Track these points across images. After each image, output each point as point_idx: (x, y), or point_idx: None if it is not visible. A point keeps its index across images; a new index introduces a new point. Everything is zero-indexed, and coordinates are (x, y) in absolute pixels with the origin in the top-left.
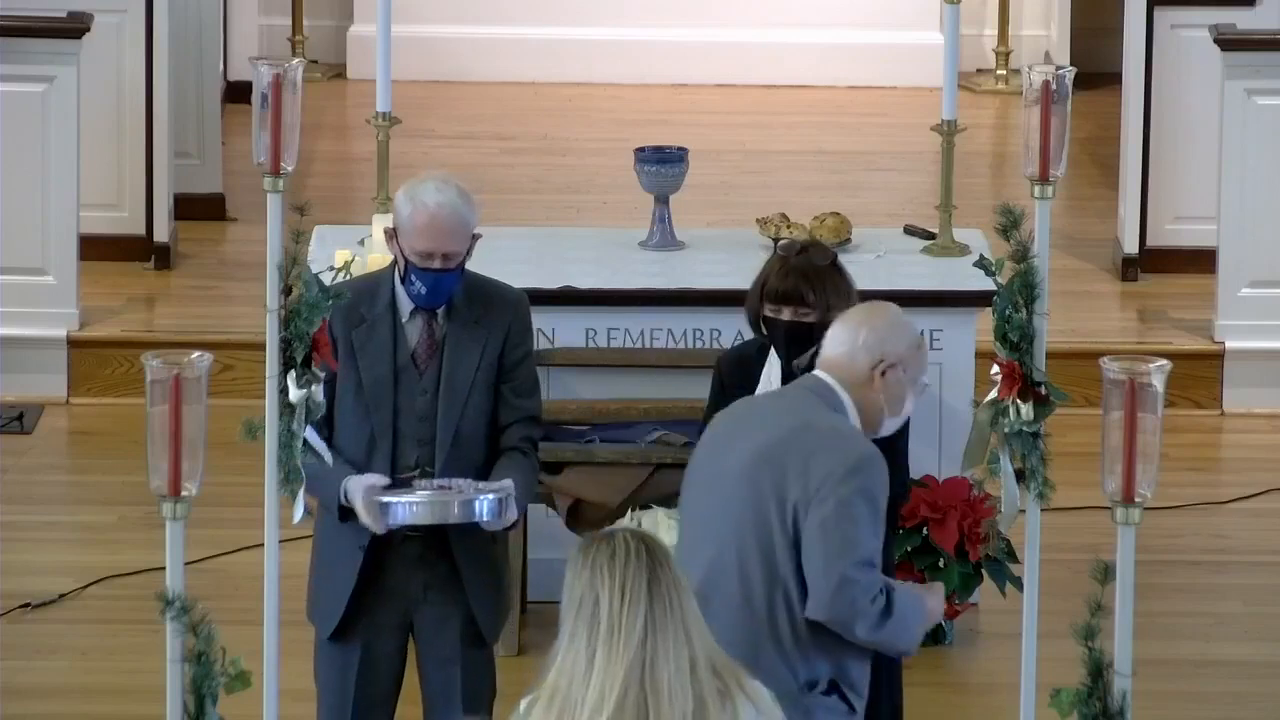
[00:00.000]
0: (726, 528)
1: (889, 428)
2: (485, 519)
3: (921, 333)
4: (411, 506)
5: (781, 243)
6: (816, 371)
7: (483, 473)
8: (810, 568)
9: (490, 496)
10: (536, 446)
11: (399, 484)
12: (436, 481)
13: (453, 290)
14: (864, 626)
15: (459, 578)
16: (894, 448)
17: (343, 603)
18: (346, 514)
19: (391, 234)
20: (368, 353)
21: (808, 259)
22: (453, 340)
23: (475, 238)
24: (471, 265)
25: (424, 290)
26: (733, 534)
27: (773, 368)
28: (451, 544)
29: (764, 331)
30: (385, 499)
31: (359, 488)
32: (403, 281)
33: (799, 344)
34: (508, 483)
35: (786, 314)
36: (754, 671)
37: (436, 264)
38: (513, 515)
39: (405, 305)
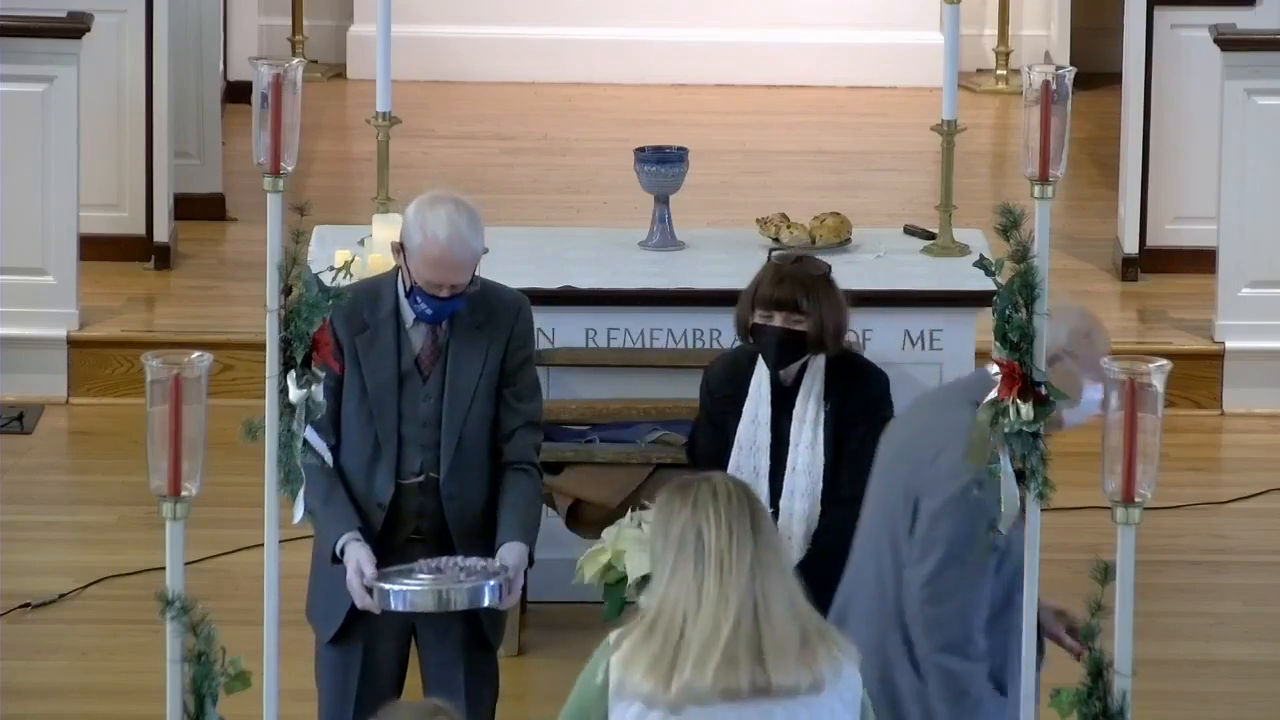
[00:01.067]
0: (869, 519)
1: (1072, 420)
2: (485, 605)
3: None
4: (405, 595)
5: (776, 252)
6: (989, 365)
7: (486, 479)
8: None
9: (486, 585)
10: (539, 451)
11: (396, 563)
12: (437, 563)
13: (458, 308)
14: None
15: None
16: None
17: (345, 607)
18: (337, 560)
19: (399, 249)
20: (371, 359)
21: (802, 268)
22: (456, 346)
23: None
24: None
25: (430, 311)
26: (871, 525)
27: (761, 376)
28: (455, 546)
29: (752, 339)
30: (381, 585)
31: (351, 560)
32: (407, 296)
33: (789, 351)
34: (510, 562)
35: (778, 319)
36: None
37: (445, 293)
38: (515, 597)
39: (409, 312)
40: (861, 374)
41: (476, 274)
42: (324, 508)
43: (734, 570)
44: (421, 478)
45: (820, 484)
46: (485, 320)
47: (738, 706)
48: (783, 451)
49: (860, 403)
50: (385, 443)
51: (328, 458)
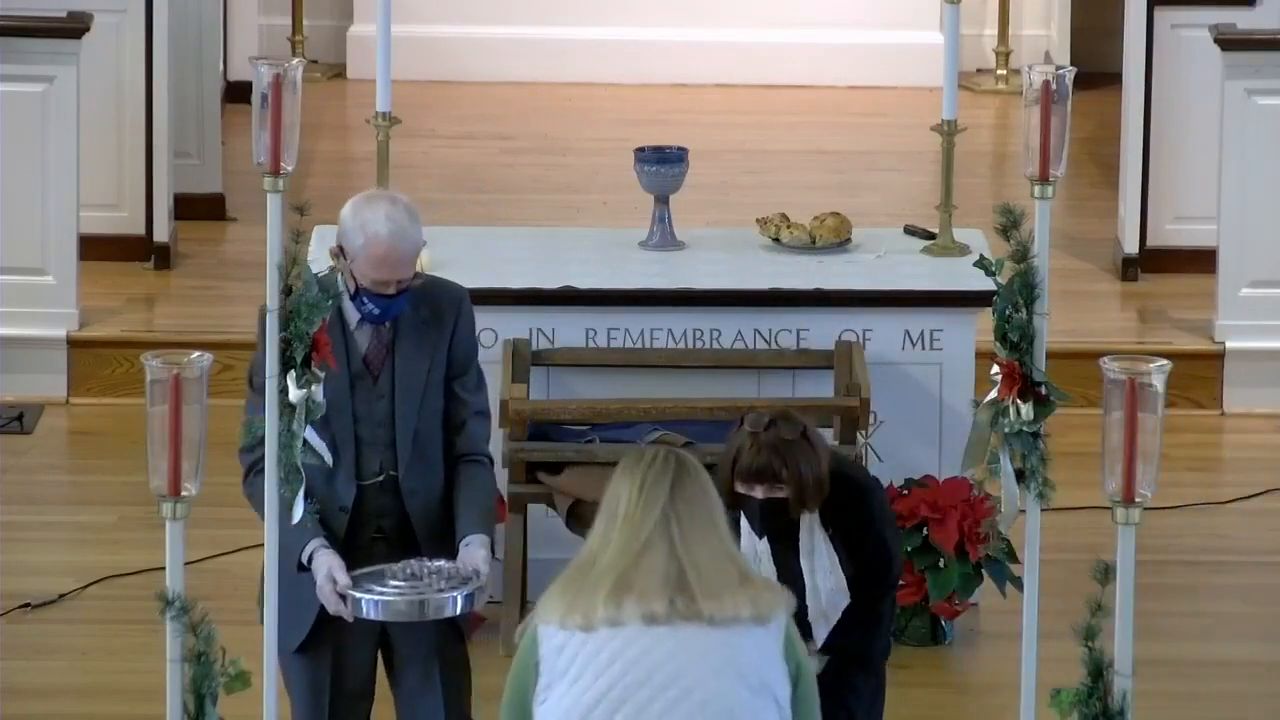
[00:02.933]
0: None
1: None
2: (458, 613)
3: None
4: (381, 605)
5: (749, 416)
6: None
7: (443, 473)
8: None
9: (463, 593)
10: (489, 441)
11: (361, 564)
12: (408, 567)
13: (404, 306)
14: None
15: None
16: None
17: (312, 614)
18: (303, 568)
19: (338, 252)
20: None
21: (777, 434)
22: (403, 343)
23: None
24: (474, 266)
25: (376, 311)
26: None
27: (746, 539)
28: (420, 542)
29: (734, 508)
30: (356, 594)
31: (321, 567)
32: (352, 298)
33: (774, 519)
34: (483, 570)
35: (760, 491)
36: None
37: (392, 290)
38: (484, 601)
39: (353, 313)
40: (855, 490)
41: (418, 268)
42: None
43: (642, 518)
44: (381, 477)
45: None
46: (430, 315)
47: (655, 629)
48: (795, 586)
49: (858, 521)
50: (343, 446)
51: (327, 458)
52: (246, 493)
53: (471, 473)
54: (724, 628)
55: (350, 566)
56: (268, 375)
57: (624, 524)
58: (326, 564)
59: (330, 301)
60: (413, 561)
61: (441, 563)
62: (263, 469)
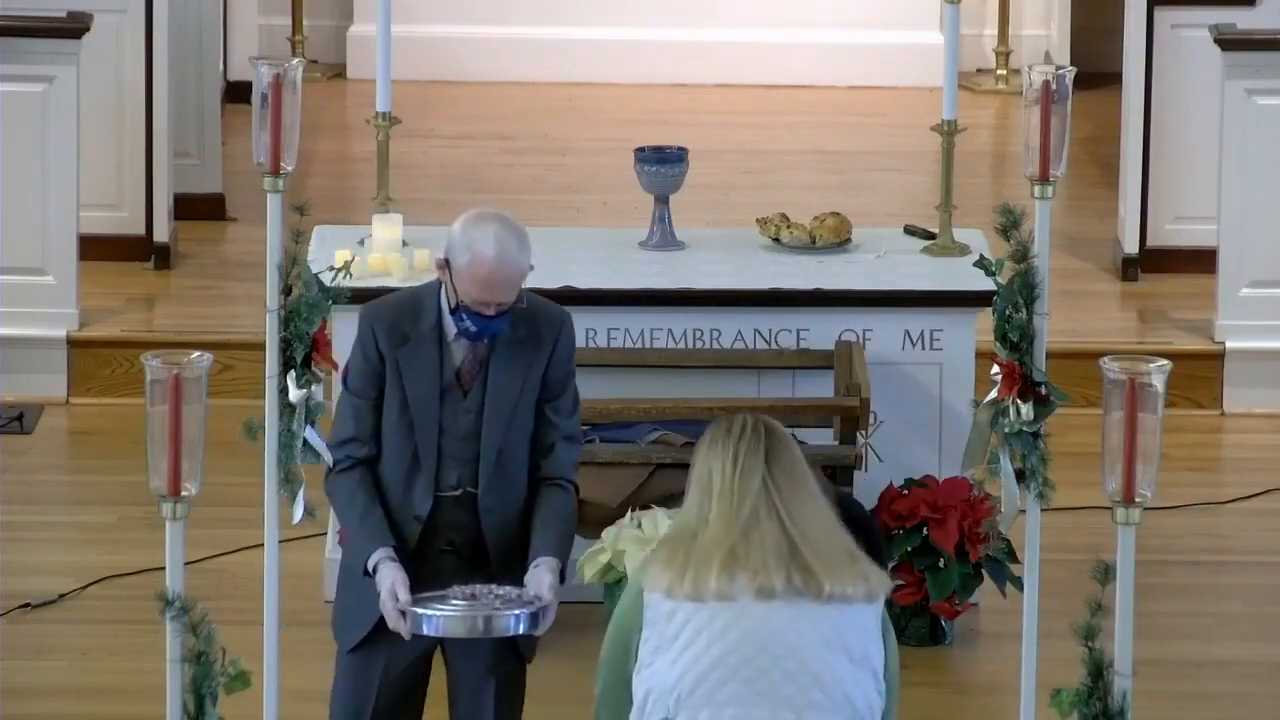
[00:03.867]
0: None
1: None
2: (518, 633)
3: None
4: (440, 621)
5: None
6: None
7: (523, 494)
8: None
9: (522, 612)
10: (577, 469)
11: (428, 574)
12: (471, 589)
13: (502, 327)
14: None
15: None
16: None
17: (372, 619)
18: (368, 574)
19: (444, 265)
20: (413, 371)
21: None
22: (498, 360)
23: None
24: None
25: (474, 329)
26: None
27: None
28: (492, 559)
29: None
30: (418, 610)
31: (385, 580)
32: (453, 313)
33: None
34: (545, 594)
35: None
36: None
37: (491, 311)
38: (548, 623)
39: (451, 325)
40: (859, 528)
41: (523, 290)
42: (361, 523)
43: (741, 490)
44: (459, 491)
45: None
46: (528, 335)
47: (770, 603)
48: None
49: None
50: (425, 456)
51: (328, 458)
52: (326, 490)
53: (551, 496)
54: (835, 604)
55: (417, 575)
56: (267, 375)
57: (721, 497)
58: (391, 579)
59: (330, 302)
60: (479, 586)
61: (509, 589)
62: (344, 468)
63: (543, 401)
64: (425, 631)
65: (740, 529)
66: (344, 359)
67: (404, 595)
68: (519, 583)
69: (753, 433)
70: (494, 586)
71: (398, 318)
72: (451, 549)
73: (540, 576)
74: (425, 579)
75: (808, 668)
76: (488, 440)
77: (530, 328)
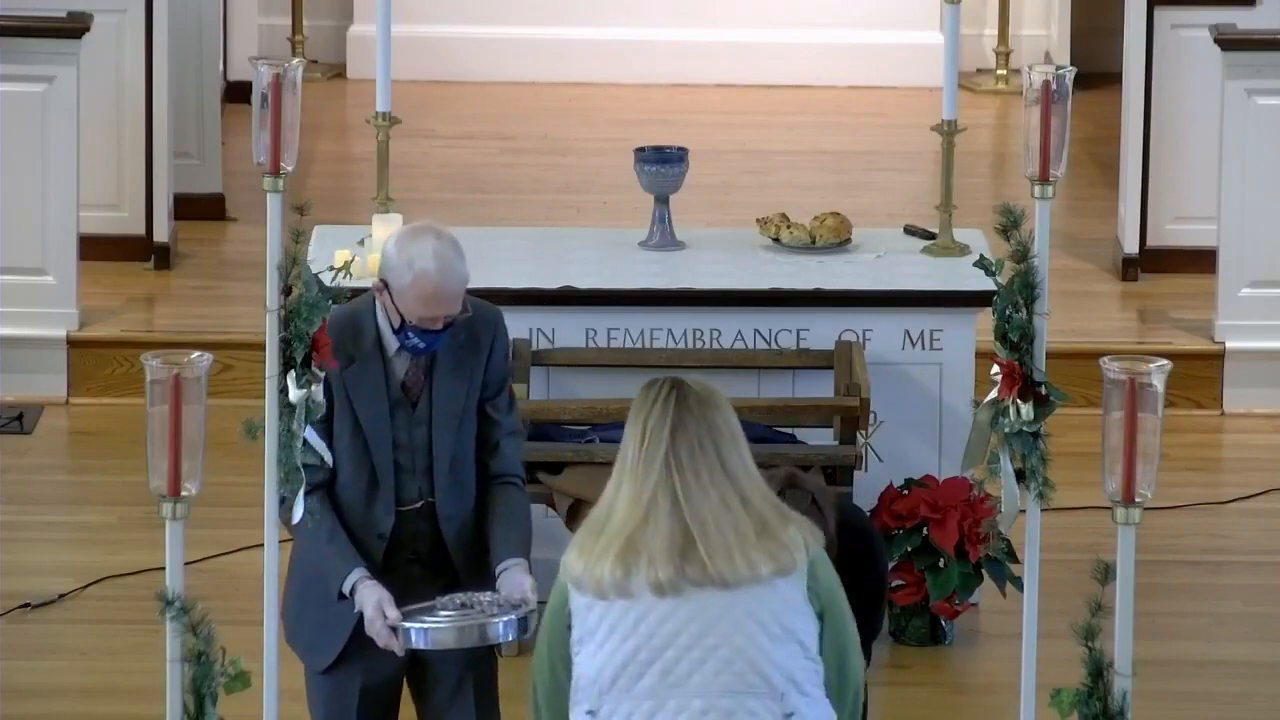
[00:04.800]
0: None
1: None
2: (510, 639)
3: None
4: (431, 634)
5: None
6: None
7: (475, 494)
8: None
9: (513, 617)
10: (521, 463)
11: (397, 586)
12: (459, 598)
13: (445, 338)
14: None
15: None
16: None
17: (341, 639)
18: (343, 597)
19: (383, 287)
20: (361, 392)
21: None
22: (441, 369)
23: None
24: (474, 266)
25: (421, 345)
26: None
27: None
28: (455, 564)
29: None
30: (406, 625)
31: (369, 600)
32: (396, 332)
33: None
34: (530, 597)
35: None
36: None
37: (439, 325)
38: (534, 626)
39: (391, 340)
40: (859, 536)
41: (465, 296)
42: (329, 544)
43: (645, 471)
44: (420, 503)
45: None
46: (467, 339)
47: (671, 599)
48: None
49: (863, 564)
50: (383, 474)
51: (327, 458)
52: (281, 517)
53: (506, 495)
54: (741, 588)
55: (386, 587)
56: (267, 375)
57: (630, 476)
58: (375, 597)
59: (330, 302)
60: (465, 594)
61: (493, 595)
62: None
63: (483, 400)
64: (418, 645)
65: (641, 514)
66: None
67: (392, 612)
68: (485, 583)
69: (663, 402)
70: (477, 594)
71: (340, 340)
72: (415, 559)
73: (518, 579)
74: (395, 591)
75: (717, 653)
76: (440, 450)
77: (469, 332)
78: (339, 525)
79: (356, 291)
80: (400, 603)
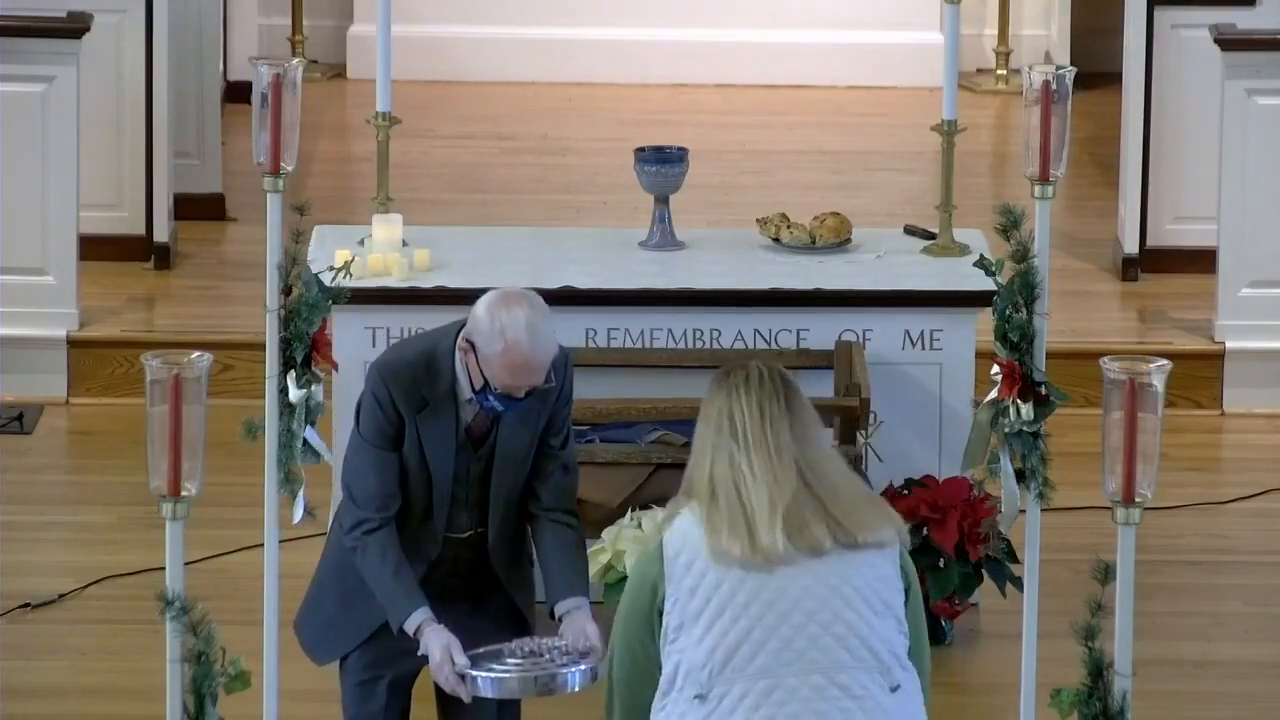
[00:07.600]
0: None
1: None
2: (577, 689)
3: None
4: (500, 683)
5: None
6: None
7: (523, 522)
8: None
9: (585, 667)
10: (574, 497)
11: (434, 599)
12: (527, 644)
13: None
14: None
15: (499, 584)
16: None
17: (346, 646)
18: (401, 631)
19: (469, 348)
20: (432, 435)
21: None
22: (509, 417)
23: None
24: (474, 266)
25: (501, 409)
26: None
27: None
28: (499, 577)
29: None
30: (474, 673)
31: (436, 645)
32: (477, 392)
33: None
34: (598, 645)
35: None
36: None
37: (522, 394)
38: (603, 674)
39: (464, 387)
40: None
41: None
42: (395, 580)
43: (774, 445)
44: (469, 533)
45: None
46: (539, 390)
47: (825, 560)
48: None
49: None
50: (439, 506)
51: (328, 456)
52: (349, 545)
53: (561, 534)
54: (868, 551)
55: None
56: (267, 375)
57: (756, 449)
58: (443, 641)
59: (330, 302)
60: (533, 640)
61: (561, 641)
62: (372, 529)
63: (544, 435)
64: (486, 694)
65: (790, 485)
66: (344, 359)
67: (461, 659)
68: (525, 594)
69: (770, 381)
70: (544, 640)
71: (415, 381)
72: (455, 573)
73: (583, 624)
74: (433, 606)
75: (830, 629)
76: (496, 490)
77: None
78: (405, 560)
79: (356, 291)
80: (436, 614)
